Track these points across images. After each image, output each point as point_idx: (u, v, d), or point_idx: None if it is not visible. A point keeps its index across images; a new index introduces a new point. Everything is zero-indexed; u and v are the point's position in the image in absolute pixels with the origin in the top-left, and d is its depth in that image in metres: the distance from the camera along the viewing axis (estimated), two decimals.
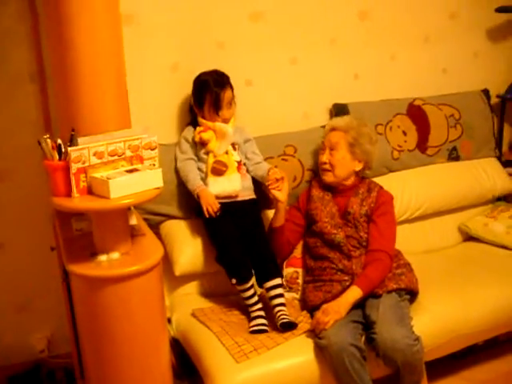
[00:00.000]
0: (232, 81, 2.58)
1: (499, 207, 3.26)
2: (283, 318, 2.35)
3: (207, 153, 2.52)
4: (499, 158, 3.48)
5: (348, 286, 2.39)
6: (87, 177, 1.75)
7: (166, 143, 2.58)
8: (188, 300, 2.63)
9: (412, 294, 2.51)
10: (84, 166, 1.74)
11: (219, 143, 2.52)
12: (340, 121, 2.71)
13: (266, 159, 2.71)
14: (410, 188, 3.07)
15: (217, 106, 2.50)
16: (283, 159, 2.82)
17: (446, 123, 3.22)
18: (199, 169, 2.54)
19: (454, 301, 2.56)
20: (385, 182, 2.83)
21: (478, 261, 2.95)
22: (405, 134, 3.12)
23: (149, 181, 1.79)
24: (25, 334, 2.72)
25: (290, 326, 2.34)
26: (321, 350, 2.23)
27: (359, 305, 2.38)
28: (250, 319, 2.43)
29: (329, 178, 2.62)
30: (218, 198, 2.47)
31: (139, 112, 2.28)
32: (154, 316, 1.89)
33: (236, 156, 2.57)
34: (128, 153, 1.82)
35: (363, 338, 2.31)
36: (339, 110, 3.00)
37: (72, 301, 2.03)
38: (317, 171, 2.77)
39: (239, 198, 2.54)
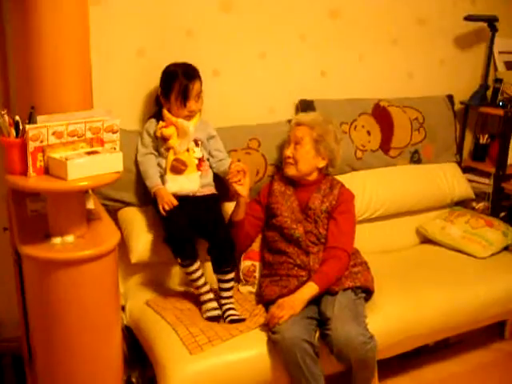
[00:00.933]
0: (199, 70, 2.55)
1: (456, 212, 3.31)
2: (232, 315, 2.39)
3: (168, 149, 2.48)
4: (459, 164, 3.53)
5: (305, 282, 2.40)
6: (45, 156, 1.71)
7: (127, 129, 2.52)
8: (143, 288, 2.60)
9: (368, 293, 2.52)
10: (42, 145, 1.69)
11: (180, 140, 2.48)
12: (306, 116, 2.71)
13: (229, 152, 2.70)
14: (371, 188, 3.09)
15: (185, 97, 2.47)
16: (247, 153, 2.81)
17: (410, 126, 3.26)
18: (159, 164, 2.51)
19: (408, 301, 2.59)
20: (347, 180, 2.84)
21: (433, 263, 2.99)
22: (369, 133, 3.14)
23: (108, 164, 1.76)
24: None
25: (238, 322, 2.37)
26: (274, 345, 2.23)
27: (315, 301, 2.39)
28: (201, 303, 2.44)
29: (291, 171, 2.62)
30: (175, 194, 2.45)
31: (102, 95, 2.24)
32: (107, 302, 1.86)
33: (198, 153, 2.53)
34: (88, 134, 1.78)
35: (317, 334, 2.31)
36: (305, 106, 3.00)
37: (23, 284, 1.98)
38: (280, 166, 2.77)
39: (198, 194, 2.52)
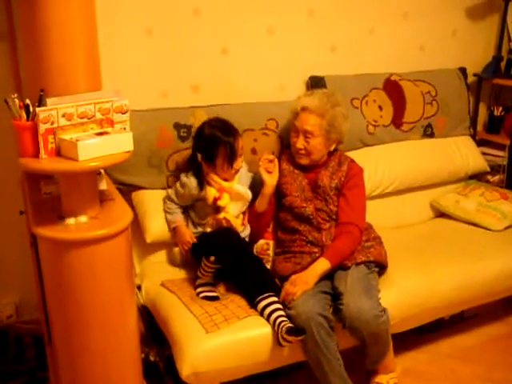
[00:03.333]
0: (207, 49, 2.53)
1: (471, 185, 3.30)
2: (286, 324, 2.19)
3: (217, 209, 2.47)
4: (473, 137, 3.50)
5: (317, 258, 2.41)
6: (55, 138, 1.72)
7: (137, 109, 2.51)
8: (158, 268, 2.62)
9: (381, 267, 2.53)
10: (52, 127, 1.70)
11: (234, 205, 2.49)
12: (312, 100, 2.55)
13: (246, 131, 2.70)
14: (383, 163, 3.08)
15: (232, 158, 2.42)
16: (264, 133, 2.80)
17: (422, 100, 3.23)
18: (198, 221, 2.52)
19: (422, 275, 2.59)
20: (359, 156, 2.83)
21: (447, 237, 2.98)
22: (380, 108, 3.12)
23: (119, 144, 1.76)
24: None
25: (297, 332, 2.16)
26: (289, 320, 2.23)
27: (328, 276, 2.40)
28: (197, 286, 2.42)
29: (304, 161, 2.58)
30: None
31: (111, 76, 2.23)
32: (121, 281, 1.88)
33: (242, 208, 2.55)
34: (98, 115, 1.79)
35: (331, 308, 2.32)
36: (316, 82, 2.99)
37: (40, 265, 2.01)
38: (287, 145, 2.72)
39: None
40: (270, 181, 2.50)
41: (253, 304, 2.31)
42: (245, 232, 2.55)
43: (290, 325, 2.17)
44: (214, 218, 2.47)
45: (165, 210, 2.56)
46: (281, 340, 2.17)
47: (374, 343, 2.32)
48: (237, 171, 2.48)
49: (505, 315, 3.09)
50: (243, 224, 2.53)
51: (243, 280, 2.38)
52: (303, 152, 2.56)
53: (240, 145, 2.45)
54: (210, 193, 2.45)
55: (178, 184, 2.53)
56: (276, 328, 2.19)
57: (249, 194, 2.51)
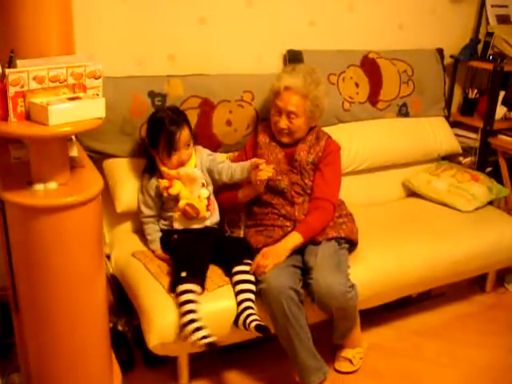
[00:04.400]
0: (185, 17, 2.49)
1: (443, 166, 3.33)
2: (256, 320, 2.16)
3: (176, 199, 2.41)
4: (447, 118, 3.53)
5: (289, 232, 2.41)
6: (25, 102, 1.67)
7: (110, 75, 2.46)
8: (128, 238, 2.61)
9: (351, 244, 2.55)
10: (23, 90, 1.65)
11: (190, 189, 2.41)
12: (295, 80, 2.50)
13: (221, 102, 2.69)
14: (358, 140, 3.09)
15: (170, 149, 2.36)
16: (239, 105, 2.78)
17: (399, 78, 3.24)
18: (166, 215, 2.48)
19: (391, 253, 2.63)
20: (334, 132, 2.82)
21: (418, 216, 3.02)
22: (357, 85, 3.11)
23: (91, 110, 1.72)
24: None
25: (264, 330, 2.14)
26: (259, 293, 2.25)
27: (299, 251, 2.41)
28: (187, 329, 2.13)
29: (286, 139, 2.56)
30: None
31: (85, 40, 2.18)
32: (91, 249, 1.86)
33: (205, 193, 2.45)
34: (70, 80, 1.74)
35: (301, 282, 2.33)
36: (293, 56, 2.97)
37: (7, 232, 1.98)
38: (266, 118, 2.72)
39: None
40: (263, 177, 2.39)
41: (228, 272, 2.32)
42: (212, 219, 2.50)
43: (259, 322, 2.14)
44: (178, 209, 2.41)
45: (146, 234, 2.52)
46: (242, 328, 2.18)
47: (341, 318, 2.35)
48: (180, 163, 2.40)
49: (470, 295, 3.15)
50: (208, 210, 2.46)
51: (219, 255, 2.39)
52: (286, 131, 2.54)
53: (184, 138, 2.38)
54: (162, 184, 2.41)
55: (139, 194, 2.51)
56: (243, 318, 2.17)
57: (199, 173, 2.42)
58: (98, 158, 2.55)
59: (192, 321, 2.10)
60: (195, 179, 2.40)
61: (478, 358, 2.66)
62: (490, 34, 3.44)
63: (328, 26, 3.12)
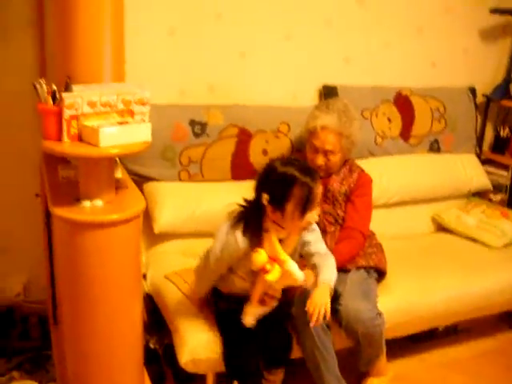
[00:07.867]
0: (226, 51, 2.61)
1: (473, 202, 3.36)
2: None
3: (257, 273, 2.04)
4: (478, 156, 3.57)
5: None
6: (78, 124, 1.79)
7: (156, 103, 2.58)
8: (164, 258, 2.69)
9: (380, 274, 2.59)
10: (76, 113, 1.77)
11: (279, 283, 2.03)
12: (331, 119, 2.54)
13: (258, 132, 2.79)
14: (389, 174, 3.14)
15: (307, 206, 1.94)
16: (276, 136, 2.88)
17: (431, 115, 3.30)
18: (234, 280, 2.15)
19: (418, 285, 2.66)
20: (365, 165, 2.85)
21: (447, 251, 3.04)
22: (390, 121, 3.19)
23: (138, 134, 1.83)
24: (1, 276, 2.76)
25: None
26: (289, 317, 2.29)
27: None
28: None
29: (322, 174, 2.56)
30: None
31: (133, 70, 2.30)
32: (131, 266, 1.93)
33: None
34: (120, 106, 1.86)
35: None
36: (329, 91, 3.07)
37: (51, 247, 2.07)
38: (300, 149, 2.80)
39: None
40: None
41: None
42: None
43: None
44: (259, 288, 2.05)
45: (209, 269, 2.16)
46: None
47: (368, 344, 2.38)
48: (306, 228, 2.07)
49: (497, 331, 3.12)
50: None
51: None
52: (324, 168, 2.59)
53: (320, 191, 2.00)
54: (260, 259, 1.97)
55: (216, 243, 2.08)
56: None
57: (301, 279, 2.01)
58: (139, 180, 2.65)
59: None
60: (295, 282, 2.01)
61: None
62: None
63: (363, 62, 3.22)
